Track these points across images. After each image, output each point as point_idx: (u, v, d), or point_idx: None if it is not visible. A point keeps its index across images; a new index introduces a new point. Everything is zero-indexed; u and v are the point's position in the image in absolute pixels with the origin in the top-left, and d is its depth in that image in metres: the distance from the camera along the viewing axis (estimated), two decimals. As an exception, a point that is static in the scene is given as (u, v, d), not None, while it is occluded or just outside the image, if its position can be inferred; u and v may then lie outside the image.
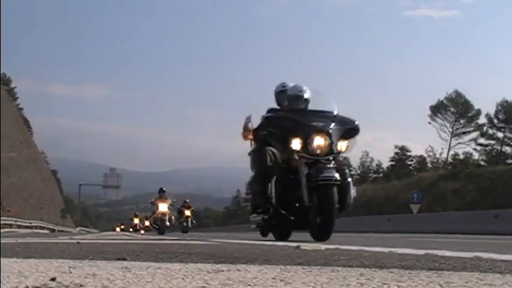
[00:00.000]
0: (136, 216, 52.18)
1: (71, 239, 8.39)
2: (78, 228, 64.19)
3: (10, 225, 32.42)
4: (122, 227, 64.44)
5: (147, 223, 44.87)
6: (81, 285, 1.73)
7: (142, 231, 42.30)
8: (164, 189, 22.39)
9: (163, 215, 21.27)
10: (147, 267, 2.27)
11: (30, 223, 38.27)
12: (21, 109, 79.63)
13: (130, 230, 49.03)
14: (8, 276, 1.91)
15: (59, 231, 43.91)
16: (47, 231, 38.06)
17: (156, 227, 21.39)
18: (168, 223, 21.32)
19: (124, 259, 2.87)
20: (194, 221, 28.73)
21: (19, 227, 34.41)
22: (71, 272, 2.07)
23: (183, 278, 1.90)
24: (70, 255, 3.21)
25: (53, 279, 1.84)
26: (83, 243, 5.78)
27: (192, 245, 5.24)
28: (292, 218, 6.78)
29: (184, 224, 26.83)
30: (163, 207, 21.52)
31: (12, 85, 78.70)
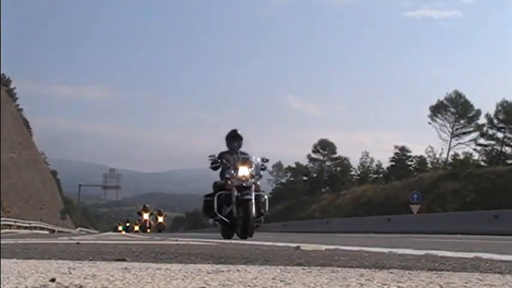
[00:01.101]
0: (146, 209, 38.53)
1: (70, 239, 8.40)
2: (77, 229, 64.03)
3: (10, 226, 32.38)
4: (127, 224, 51.18)
5: (160, 219, 37.04)
6: (81, 286, 1.73)
7: (148, 230, 35.31)
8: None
9: (244, 190, 9.41)
10: (146, 268, 2.27)
11: (29, 224, 38.19)
12: (20, 110, 79.66)
13: (136, 228, 39.88)
14: (7, 277, 1.91)
15: (58, 231, 43.88)
16: (47, 232, 38.02)
17: (226, 222, 9.70)
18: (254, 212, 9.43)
19: (124, 260, 2.87)
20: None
21: (19, 227, 34.36)
22: (70, 273, 2.07)
23: (183, 279, 1.90)
24: (70, 256, 3.21)
25: (53, 280, 1.84)
26: (82, 243, 5.78)
27: (192, 246, 5.24)
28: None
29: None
30: (244, 171, 9.55)
31: (11, 86, 78.74)
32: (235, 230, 9.56)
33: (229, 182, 9.55)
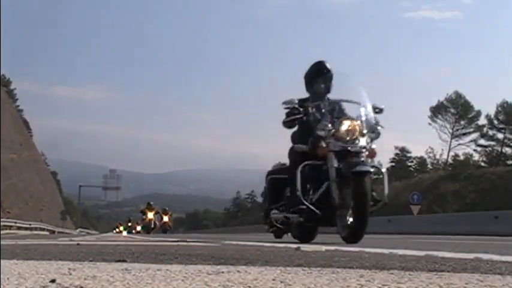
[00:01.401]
0: (150, 208, 34.13)
1: (70, 240, 8.39)
2: (78, 230, 64.01)
3: (10, 227, 32.37)
4: (129, 224, 47.20)
5: (165, 219, 33.95)
6: (81, 287, 1.73)
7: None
8: None
9: (352, 157, 5.71)
10: (147, 269, 2.27)
11: (30, 225, 38.15)
12: (21, 110, 79.66)
13: (138, 229, 37.66)
14: (8, 278, 1.91)
15: (58, 232, 43.84)
16: (47, 233, 38.02)
17: (314, 213, 5.85)
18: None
19: (124, 261, 2.87)
20: None
21: (19, 228, 34.33)
22: (70, 274, 2.07)
23: (183, 280, 1.90)
24: (70, 257, 3.21)
25: (53, 281, 1.84)
26: (82, 244, 5.78)
27: (192, 247, 5.24)
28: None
29: None
30: (349, 125, 5.99)
31: (12, 86, 78.77)
32: (332, 226, 6.03)
33: (324, 145, 5.70)
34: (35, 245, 5.44)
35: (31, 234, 26.59)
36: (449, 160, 54.70)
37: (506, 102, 50.94)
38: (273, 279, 1.92)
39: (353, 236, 5.61)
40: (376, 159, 5.96)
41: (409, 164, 61.92)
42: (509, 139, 51.37)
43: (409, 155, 62.37)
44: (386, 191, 5.94)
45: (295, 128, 6.40)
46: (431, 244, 6.77)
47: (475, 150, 53.71)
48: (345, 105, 6.28)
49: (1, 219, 29.83)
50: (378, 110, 6.14)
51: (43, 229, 41.49)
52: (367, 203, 5.39)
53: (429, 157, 57.81)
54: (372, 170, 5.53)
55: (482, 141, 53.21)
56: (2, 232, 22.99)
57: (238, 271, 2.20)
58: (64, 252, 3.96)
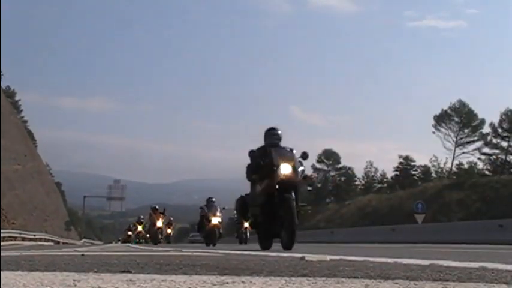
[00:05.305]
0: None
1: (75, 251, 8.39)
2: (82, 240, 63.96)
3: (14, 238, 32.41)
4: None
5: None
6: (86, 298, 1.73)
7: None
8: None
9: None
10: (151, 280, 2.27)
11: (34, 235, 38.17)
12: (25, 122, 79.93)
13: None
14: (13, 290, 1.91)
15: (63, 243, 43.82)
16: (52, 244, 38.00)
17: None
18: None
19: (129, 271, 2.87)
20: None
21: (23, 239, 34.34)
22: (75, 285, 2.07)
23: (187, 291, 1.90)
24: (75, 268, 3.21)
25: (58, 293, 1.84)
26: (87, 255, 5.78)
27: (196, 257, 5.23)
28: None
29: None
30: None
31: (16, 98, 79.12)
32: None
33: None
34: (40, 256, 5.44)
35: (35, 245, 26.59)
36: (454, 169, 54.58)
37: (510, 110, 50.82)
38: (278, 290, 1.92)
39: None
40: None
41: (413, 172, 61.74)
42: (513, 147, 51.26)
43: (413, 163, 62.22)
44: None
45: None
46: (436, 253, 6.75)
47: (479, 158, 53.62)
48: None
49: (6, 230, 29.87)
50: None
51: (47, 240, 41.48)
52: None
53: (433, 166, 57.65)
54: None
55: (486, 150, 53.10)
56: (7, 243, 22.99)
57: (243, 282, 2.20)
58: (69, 263, 3.95)
